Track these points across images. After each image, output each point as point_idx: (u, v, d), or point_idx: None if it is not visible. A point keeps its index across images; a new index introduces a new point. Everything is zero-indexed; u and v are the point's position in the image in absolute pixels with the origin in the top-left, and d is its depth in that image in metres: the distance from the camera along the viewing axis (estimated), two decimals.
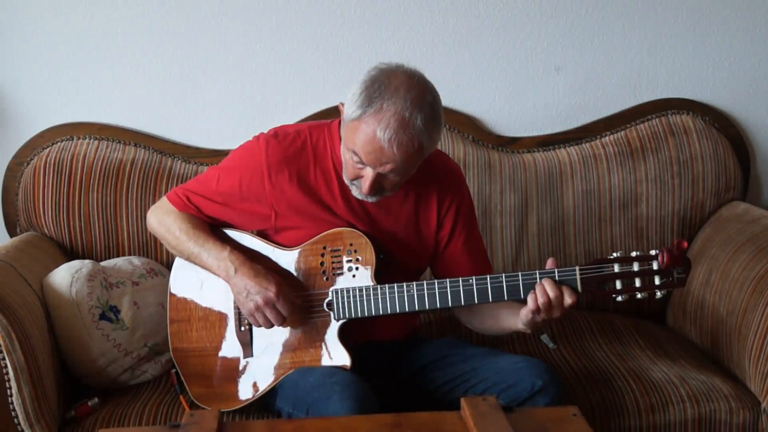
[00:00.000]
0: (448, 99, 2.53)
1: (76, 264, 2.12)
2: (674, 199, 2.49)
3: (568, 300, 1.72)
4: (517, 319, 1.79)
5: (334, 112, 1.88)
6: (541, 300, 1.72)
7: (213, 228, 1.97)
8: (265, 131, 1.93)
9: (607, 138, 2.56)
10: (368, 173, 1.75)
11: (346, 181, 1.84)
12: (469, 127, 2.56)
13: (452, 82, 2.54)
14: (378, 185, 1.78)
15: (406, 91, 1.70)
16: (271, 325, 1.86)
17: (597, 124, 2.58)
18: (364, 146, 1.72)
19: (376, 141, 1.70)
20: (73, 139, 2.46)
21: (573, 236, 2.49)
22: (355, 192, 1.84)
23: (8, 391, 1.84)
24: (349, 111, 1.73)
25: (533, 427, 1.48)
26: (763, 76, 2.62)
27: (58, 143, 2.45)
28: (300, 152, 1.89)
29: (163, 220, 1.97)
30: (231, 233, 1.98)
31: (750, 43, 2.59)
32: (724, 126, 2.59)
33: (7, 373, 1.84)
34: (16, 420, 1.86)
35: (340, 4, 2.50)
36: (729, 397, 2.01)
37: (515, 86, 2.58)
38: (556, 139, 2.57)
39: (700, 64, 2.60)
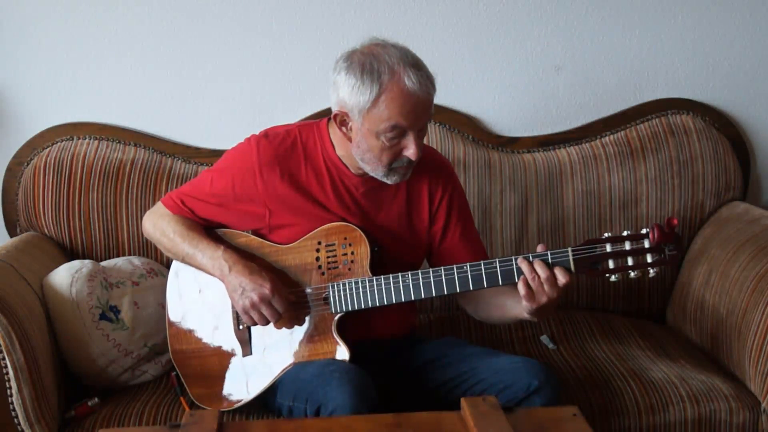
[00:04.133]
0: (449, 99, 2.53)
1: (76, 264, 2.12)
2: (674, 199, 2.49)
3: (561, 279, 1.70)
4: (522, 308, 1.78)
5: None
6: (529, 276, 1.71)
7: (207, 229, 1.97)
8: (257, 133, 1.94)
9: (607, 138, 2.55)
10: (410, 137, 1.77)
11: (381, 172, 1.82)
12: (469, 127, 2.56)
13: (452, 82, 2.54)
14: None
15: (391, 48, 1.76)
16: (267, 322, 1.86)
17: (597, 124, 2.58)
18: (401, 108, 1.73)
19: (411, 94, 1.72)
20: (73, 139, 2.46)
21: (573, 236, 2.49)
22: (393, 178, 1.83)
23: (8, 391, 1.85)
24: (362, 100, 1.74)
25: (533, 427, 1.48)
26: (763, 76, 2.61)
27: (58, 143, 2.45)
28: (290, 151, 1.90)
29: (158, 223, 1.98)
30: (225, 233, 1.98)
31: (750, 43, 2.59)
32: (724, 126, 2.58)
33: (7, 373, 1.84)
34: (16, 420, 1.86)
35: (340, 4, 2.50)
36: (729, 397, 2.01)
37: (515, 86, 2.58)
38: (556, 139, 2.57)
39: (700, 64, 2.59)
